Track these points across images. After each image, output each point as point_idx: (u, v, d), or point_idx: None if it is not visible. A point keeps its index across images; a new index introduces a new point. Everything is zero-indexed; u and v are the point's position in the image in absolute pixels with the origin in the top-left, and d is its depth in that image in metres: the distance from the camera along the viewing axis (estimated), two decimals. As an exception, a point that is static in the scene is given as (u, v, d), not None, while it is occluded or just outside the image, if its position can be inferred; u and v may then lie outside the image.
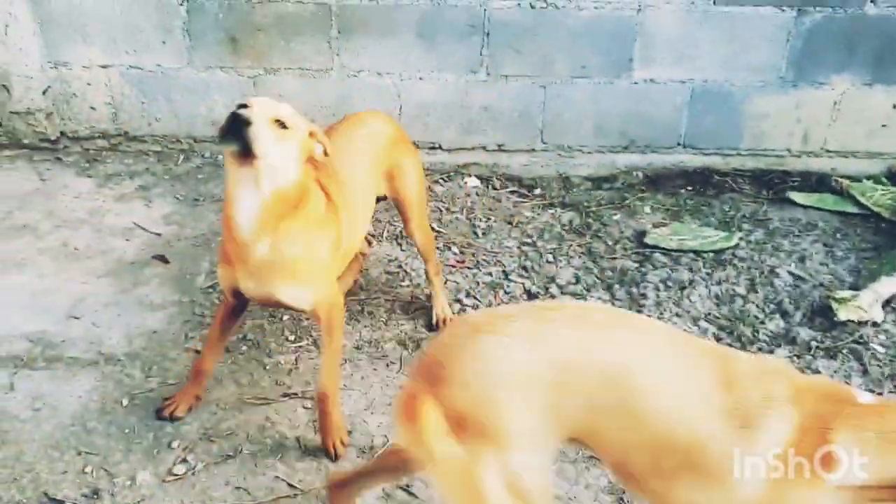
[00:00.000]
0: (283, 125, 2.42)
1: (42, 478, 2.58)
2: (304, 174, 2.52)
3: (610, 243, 3.83)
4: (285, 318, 3.28)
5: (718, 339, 3.20)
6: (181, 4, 4.04)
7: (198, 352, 3.06)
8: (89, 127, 4.32)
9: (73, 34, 4.06)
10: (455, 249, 3.76)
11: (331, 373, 2.69)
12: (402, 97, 4.23)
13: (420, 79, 4.19)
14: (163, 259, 3.63)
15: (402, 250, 3.74)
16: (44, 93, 4.20)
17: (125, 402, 2.88)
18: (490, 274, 3.60)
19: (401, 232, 3.84)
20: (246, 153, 2.33)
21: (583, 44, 4.08)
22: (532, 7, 3.99)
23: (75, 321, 3.25)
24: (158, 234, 3.80)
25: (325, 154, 2.60)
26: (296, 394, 2.93)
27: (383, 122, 3.14)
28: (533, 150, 4.36)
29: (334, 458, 2.67)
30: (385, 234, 3.84)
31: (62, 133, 4.35)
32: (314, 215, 2.60)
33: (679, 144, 4.34)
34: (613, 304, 3.40)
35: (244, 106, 2.38)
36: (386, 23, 4.05)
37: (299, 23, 4.05)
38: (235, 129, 2.33)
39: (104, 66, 4.16)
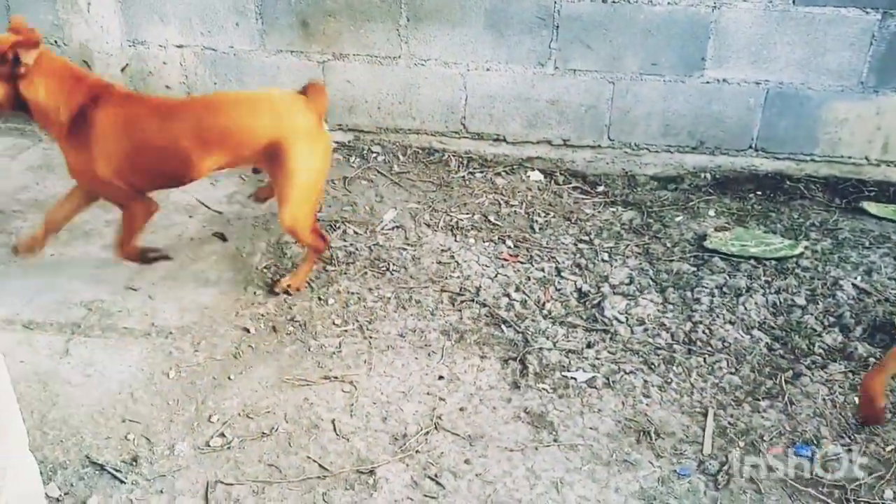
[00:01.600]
0: None
1: (86, 442, 2.67)
2: None
3: (669, 245, 3.75)
4: (332, 301, 3.32)
5: (771, 350, 3.10)
6: None
7: (246, 329, 3.14)
8: (164, 104, 4.45)
9: (150, 14, 4.18)
10: (509, 243, 3.74)
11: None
12: (469, 88, 4.22)
13: (487, 70, 4.17)
14: (221, 237, 3.71)
15: (455, 240, 3.73)
16: (122, 70, 4.34)
17: (172, 373, 2.96)
18: (542, 270, 3.57)
19: (457, 223, 3.85)
20: None
21: (654, 40, 4.00)
22: (604, 1, 3.93)
23: (132, 292, 3.36)
24: (220, 213, 3.89)
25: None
26: (336, 377, 2.96)
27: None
28: (599, 146, 4.29)
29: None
30: (441, 224, 3.84)
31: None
32: None
33: (751, 147, 4.21)
34: (665, 307, 3.33)
35: None
36: (455, 12, 4.04)
37: (369, 9, 4.07)
38: None
39: (179, 46, 4.27)
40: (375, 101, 4.32)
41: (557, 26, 4.01)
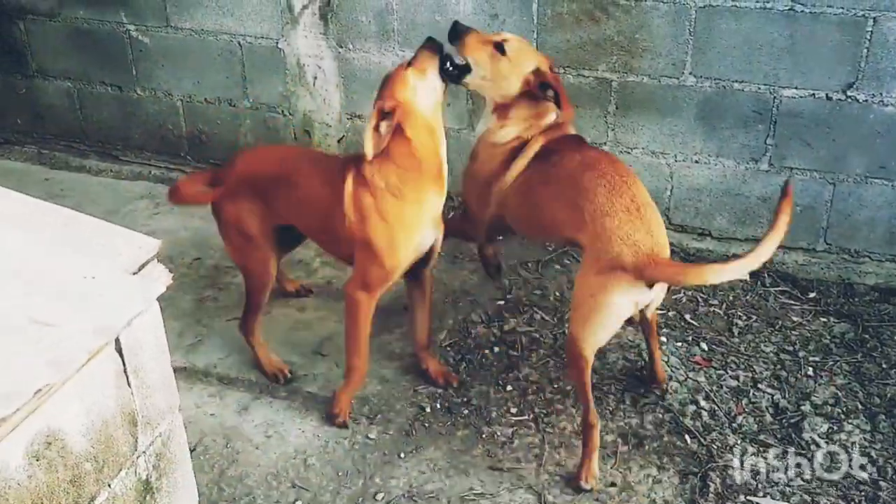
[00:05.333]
0: None
1: (257, 503, 2.76)
2: None
3: (885, 366, 3.40)
4: (511, 388, 3.27)
5: None
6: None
7: (422, 408, 3.15)
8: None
9: (368, 91, 4.38)
10: (704, 345, 3.53)
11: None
12: (675, 178, 4.09)
13: (696, 162, 4.02)
14: (412, 310, 3.77)
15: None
16: (338, 141, 4.57)
17: (346, 443, 3.01)
18: (737, 378, 3.34)
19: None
20: None
21: (883, 142, 3.69)
22: (829, 98, 3.69)
23: (320, 358, 3.47)
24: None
25: None
26: (504, 469, 2.89)
27: None
28: (813, 249, 4.00)
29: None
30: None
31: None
32: None
33: None
34: (874, 436, 3.00)
35: None
36: (666, 103, 3.94)
37: (578, 95, 4.06)
38: None
39: (393, 122, 4.45)
40: (577, 185, 4.27)
41: (775, 122, 3.81)
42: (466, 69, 3.07)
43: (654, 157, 4.08)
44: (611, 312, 2.80)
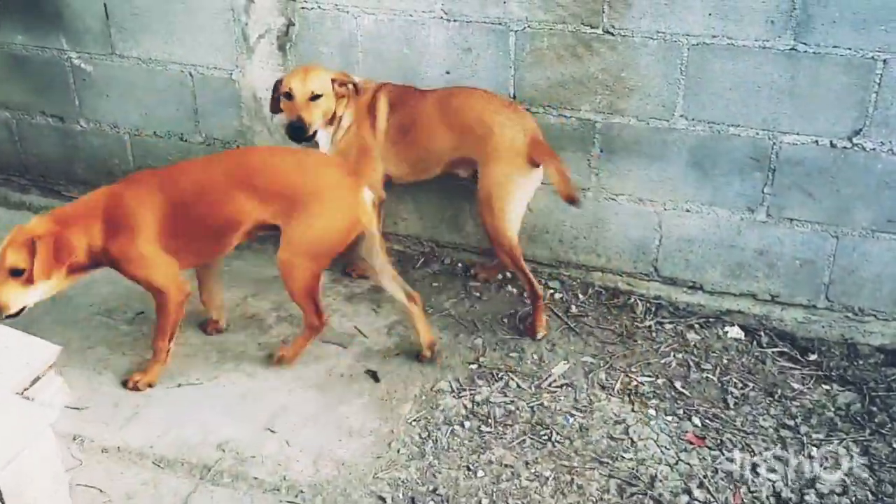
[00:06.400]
0: None
1: None
2: None
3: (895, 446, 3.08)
4: (482, 474, 2.91)
5: None
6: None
7: (382, 499, 2.78)
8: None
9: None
10: (697, 420, 3.19)
11: None
12: (664, 228, 3.75)
13: (687, 211, 3.68)
14: (374, 376, 3.40)
15: (632, 410, 3.23)
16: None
17: (294, 543, 2.65)
18: (733, 461, 3.00)
19: (637, 387, 3.35)
20: None
21: (892, 193, 3.37)
22: (833, 146, 3.36)
23: (270, 435, 3.09)
24: (377, 346, 3.60)
25: None
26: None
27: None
28: (814, 306, 3.67)
29: None
30: (617, 387, 3.35)
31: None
32: None
33: None
34: (889, 536, 2.67)
35: None
36: (655, 147, 3.61)
37: (560, 136, 3.72)
38: None
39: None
40: (558, 232, 3.93)
41: (773, 169, 3.48)
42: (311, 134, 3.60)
43: (641, 204, 3.75)
44: (520, 195, 3.48)
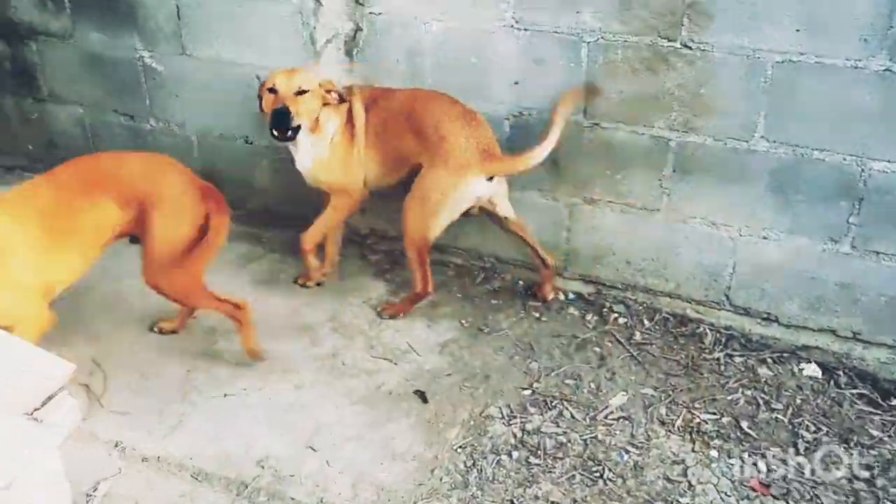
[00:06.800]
0: None
1: None
2: None
3: None
4: (526, 513, 2.76)
5: None
6: (506, 119, 3.74)
7: (417, 531, 2.66)
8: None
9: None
10: (762, 465, 2.97)
11: None
12: (739, 254, 3.53)
13: (764, 238, 3.46)
14: (423, 397, 3.28)
15: (692, 450, 3.03)
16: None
17: (325, 573, 2.55)
18: (799, 514, 2.78)
19: (699, 425, 3.15)
20: None
21: None
22: (928, 174, 3.11)
23: (311, 453, 3.00)
24: (427, 364, 3.48)
25: None
26: None
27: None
28: (900, 347, 3.41)
29: None
30: (678, 423, 3.15)
31: (371, 229, 4.26)
32: None
33: None
34: None
35: None
36: (731, 169, 3.40)
37: (630, 154, 3.54)
38: None
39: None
40: (625, 254, 3.75)
41: (861, 198, 3.23)
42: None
43: (714, 227, 3.54)
44: (459, 204, 3.48)
